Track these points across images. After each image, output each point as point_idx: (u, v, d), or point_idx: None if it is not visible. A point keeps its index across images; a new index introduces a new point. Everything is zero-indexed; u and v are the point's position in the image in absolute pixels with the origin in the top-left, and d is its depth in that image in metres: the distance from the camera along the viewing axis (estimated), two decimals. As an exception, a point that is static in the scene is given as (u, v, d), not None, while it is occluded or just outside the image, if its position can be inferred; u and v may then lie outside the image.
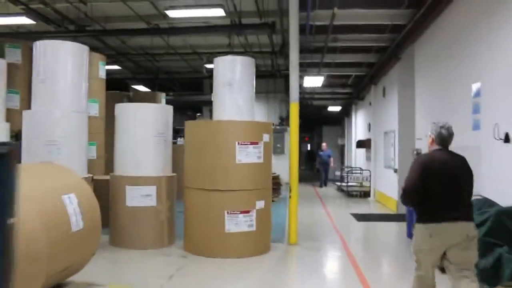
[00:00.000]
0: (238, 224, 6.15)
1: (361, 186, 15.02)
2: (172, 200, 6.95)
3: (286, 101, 20.65)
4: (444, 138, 3.57)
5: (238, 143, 6.14)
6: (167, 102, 12.20)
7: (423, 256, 3.48)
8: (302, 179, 23.29)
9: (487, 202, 5.11)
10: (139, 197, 6.66)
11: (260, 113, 20.93)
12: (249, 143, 6.21)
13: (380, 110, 13.32)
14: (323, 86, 16.67)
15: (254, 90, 6.95)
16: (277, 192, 13.09)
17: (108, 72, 9.99)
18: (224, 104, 6.62)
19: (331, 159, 18.33)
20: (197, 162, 6.35)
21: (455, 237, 3.37)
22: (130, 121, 6.85)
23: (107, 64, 15.24)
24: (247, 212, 6.18)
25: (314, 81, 13.67)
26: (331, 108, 20.30)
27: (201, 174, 6.26)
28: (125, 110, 6.97)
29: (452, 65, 7.26)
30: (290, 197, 7.25)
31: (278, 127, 20.73)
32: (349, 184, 14.82)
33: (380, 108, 13.35)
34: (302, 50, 11.37)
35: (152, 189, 6.69)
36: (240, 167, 6.16)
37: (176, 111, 7.45)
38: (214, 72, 6.81)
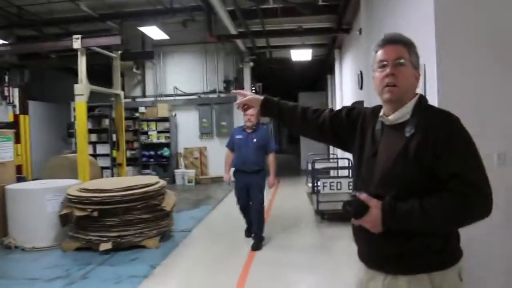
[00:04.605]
0: None
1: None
2: None
3: (235, 54, 13.32)
4: None
5: None
6: None
7: None
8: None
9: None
10: None
11: (194, 75, 13.56)
12: None
13: (382, 34, 5.94)
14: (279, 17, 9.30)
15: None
16: (156, 224, 5.89)
17: None
18: None
19: (271, 155, 6.06)
20: None
21: None
22: None
23: None
24: None
25: None
26: (296, 55, 12.68)
27: None
28: None
29: None
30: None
31: (222, 95, 13.38)
32: (323, 192, 7.39)
33: (382, 28, 5.96)
34: None
35: None
36: None
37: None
38: None
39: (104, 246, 5.53)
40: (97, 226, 5.64)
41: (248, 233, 6.31)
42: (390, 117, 1.82)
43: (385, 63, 1.79)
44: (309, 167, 9.18)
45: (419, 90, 3.70)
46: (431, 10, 3.65)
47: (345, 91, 11.26)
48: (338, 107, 11.83)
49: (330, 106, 14.60)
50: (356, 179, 1.96)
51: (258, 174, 5.93)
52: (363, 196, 1.74)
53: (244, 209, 6.18)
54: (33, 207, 6.14)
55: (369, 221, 1.73)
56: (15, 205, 6.28)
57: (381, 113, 1.88)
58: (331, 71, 13.85)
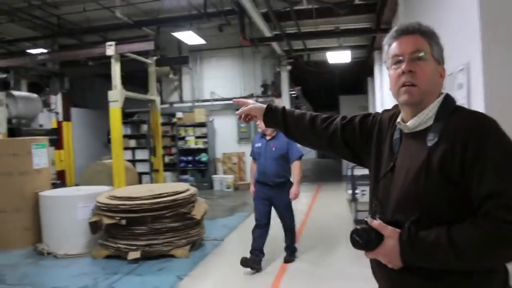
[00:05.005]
0: None
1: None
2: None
3: (272, 58, 13.11)
4: None
5: None
6: None
7: None
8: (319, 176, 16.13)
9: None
10: None
11: (232, 79, 13.44)
12: None
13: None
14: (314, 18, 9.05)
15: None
16: (185, 233, 5.75)
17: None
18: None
19: (296, 163, 5.14)
20: None
21: None
22: None
23: None
24: None
25: None
26: (333, 57, 12.27)
27: None
28: None
29: None
30: None
31: (260, 100, 13.10)
32: (362, 200, 6.93)
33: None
34: None
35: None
36: None
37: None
38: None
39: (133, 255, 5.42)
40: (125, 234, 5.54)
41: (247, 262, 5.03)
42: (408, 123, 1.48)
43: (400, 58, 1.46)
44: (349, 173, 8.80)
45: (462, 94, 3.37)
46: (475, 1, 3.28)
47: (385, 94, 10.81)
48: (378, 110, 11.39)
49: (370, 109, 14.11)
50: (371, 201, 1.60)
51: (282, 188, 5.16)
52: (375, 223, 1.40)
53: (259, 230, 5.23)
54: (64, 214, 6.12)
55: (383, 254, 1.39)
56: (48, 211, 6.30)
57: (398, 119, 1.54)
58: (372, 73, 13.40)
